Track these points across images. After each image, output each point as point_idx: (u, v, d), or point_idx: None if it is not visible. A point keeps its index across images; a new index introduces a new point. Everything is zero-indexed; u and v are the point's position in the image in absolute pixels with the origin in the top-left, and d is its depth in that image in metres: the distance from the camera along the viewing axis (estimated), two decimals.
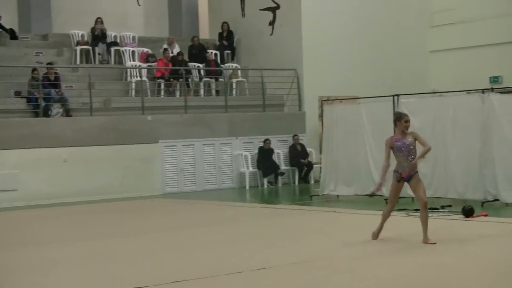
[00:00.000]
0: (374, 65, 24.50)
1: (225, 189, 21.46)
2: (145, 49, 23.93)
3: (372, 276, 8.64)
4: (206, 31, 27.76)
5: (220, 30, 25.67)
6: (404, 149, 10.68)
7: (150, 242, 12.01)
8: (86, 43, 23.42)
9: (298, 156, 22.43)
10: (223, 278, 8.82)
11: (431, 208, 13.99)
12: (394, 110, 16.60)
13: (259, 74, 23.49)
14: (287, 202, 18.24)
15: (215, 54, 24.74)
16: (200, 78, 23.57)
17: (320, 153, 19.60)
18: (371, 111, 17.15)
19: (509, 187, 14.89)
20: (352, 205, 16.13)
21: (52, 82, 20.38)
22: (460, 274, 8.58)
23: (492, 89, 16.14)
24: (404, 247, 10.45)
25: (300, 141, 22.76)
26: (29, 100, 20.04)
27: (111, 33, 24.25)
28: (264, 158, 21.95)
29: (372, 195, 10.92)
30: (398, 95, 16.72)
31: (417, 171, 10.79)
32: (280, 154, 22.51)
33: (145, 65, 22.93)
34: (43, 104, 19.84)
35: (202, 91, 23.37)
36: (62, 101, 20.20)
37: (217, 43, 25.66)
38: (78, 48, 23.06)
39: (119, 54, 23.63)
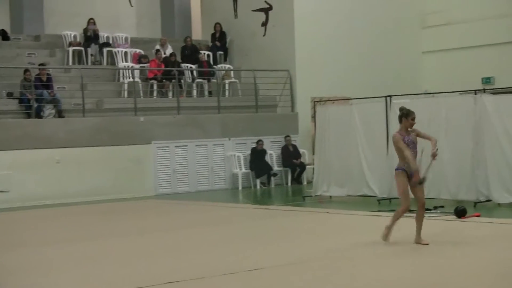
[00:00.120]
0: (367, 66, 24.52)
1: (218, 190, 21.46)
2: (138, 50, 23.90)
3: (366, 277, 8.66)
4: (199, 32, 27.75)
5: (212, 31, 25.66)
6: (411, 146, 10.61)
7: (143, 243, 12.00)
8: (78, 44, 23.37)
9: (291, 157, 22.44)
10: (217, 279, 8.82)
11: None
12: (386, 111, 16.68)
13: (252, 75, 23.49)
14: (280, 203, 18.24)
15: (208, 55, 24.72)
16: (193, 79, 23.56)
17: (313, 154, 19.62)
18: (363, 112, 17.18)
19: (502, 187, 14.93)
20: (345, 206, 16.15)
21: (45, 83, 20.34)
22: (455, 275, 8.59)
23: (484, 90, 16.21)
24: (397, 248, 10.46)
25: (293, 142, 22.76)
26: (21, 101, 19.99)
27: (103, 34, 24.21)
28: (257, 159, 21.95)
29: (422, 182, 10.59)
30: (390, 96, 16.76)
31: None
32: (273, 155, 22.52)
33: (137, 66, 22.90)
34: (35, 105, 19.80)
35: (194, 92, 23.36)
36: (55, 102, 20.16)
37: (210, 44, 25.65)
38: (71, 49, 23.02)
39: (111, 55, 23.59)
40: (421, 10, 26.10)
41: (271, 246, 11.16)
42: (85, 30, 23.64)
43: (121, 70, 22.74)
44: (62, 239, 12.70)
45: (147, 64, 22.93)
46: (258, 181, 21.94)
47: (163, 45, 24.02)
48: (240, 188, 21.68)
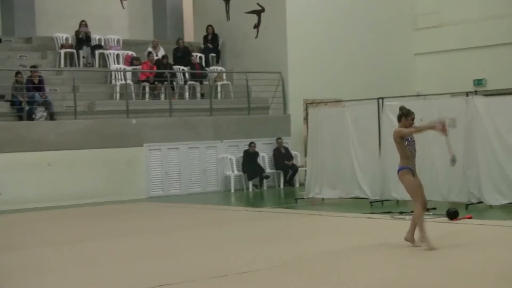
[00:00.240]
0: (359, 68, 24.55)
1: (210, 193, 21.43)
2: (130, 52, 23.87)
3: (360, 279, 8.65)
4: (191, 34, 27.74)
5: (205, 33, 25.66)
6: (412, 144, 10.55)
7: (135, 246, 11.97)
8: (70, 46, 23.33)
9: (283, 159, 22.43)
10: (207, 282, 8.81)
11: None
12: (378, 112, 16.68)
13: (244, 77, 23.48)
14: (272, 205, 18.23)
15: (200, 57, 24.71)
16: (185, 81, 23.54)
17: (305, 156, 19.61)
18: (355, 114, 17.19)
19: (493, 189, 14.95)
20: (337, 208, 16.14)
21: (36, 85, 20.28)
22: (449, 277, 8.58)
23: (476, 92, 16.22)
24: (389, 249, 10.45)
25: (285, 144, 22.76)
26: (12, 103, 19.93)
27: (95, 36, 24.17)
28: (249, 161, 21.94)
29: (454, 160, 10.50)
30: (382, 98, 16.78)
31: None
32: (265, 157, 22.50)
33: (129, 68, 22.87)
34: (27, 107, 19.75)
35: (187, 94, 23.34)
36: (46, 104, 20.12)
37: (202, 46, 25.64)
38: (62, 51, 22.97)
39: (103, 57, 23.56)
40: (413, 12, 26.15)
41: (263, 248, 11.15)
42: (77, 32, 23.60)
43: (113, 72, 22.70)
44: (54, 242, 12.67)
45: (139, 66, 22.90)
46: (250, 184, 21.93)
47: (155, 47, 24.00)
48: (232, 190, 21.67)
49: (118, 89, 22.09)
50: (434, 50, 25.28)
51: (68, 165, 19.60)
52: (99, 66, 23.44)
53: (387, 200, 16.47)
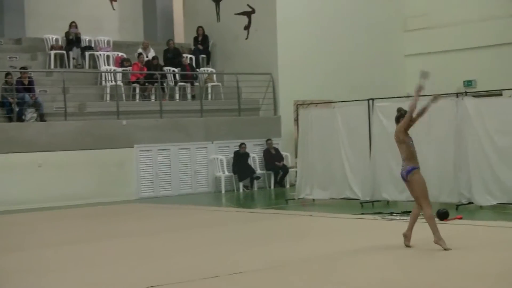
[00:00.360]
0: (349, 69, 24.57)
1: (201, 194, 21.42)
2: (120, 54, 23.84)
3: (348, 281, 8.67)
4: (181, 36, 27.70)
5: (195, 35, 25.64)
6: (410, 142, 10.48)
7: (126, 247, 11.96)
8: (60, 48, 23.29)
9: (273, 160, 22.44)
10: (198, 283, 8.81)
11: (406, 212, 14.11)
12: (369, 114, 16.71)
13: (235, 78, 23.48)
14: (262, 206, 18.24)
15: (190, 59, 24.70)
16: (175, 83, 23.53)
17: (296, 157, 19.63)
18: (346, 115, 17.21)
19: (484, 190, 15.00)
20: (328, 209, 16.16)
21: (26, 86, 20.23)
22: (442, 277, 8.61)
23: (466, 93, 16.26)
24: (381, 250, 10.47)
25: (275, 145, 22.77)
26: (2, 104, 19.88)
27: (85, 38, 24.13)
28: (240, 162, 21.94)
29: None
30: (373, 99, 16.80)
31: None
32: (255, 158, 22.51)
33: (120, 69, 22.85)
34: (17, 109, 19.70)
35: (177, 96, 23.33)
36: (36, 105, 20.08)
37: (192, 47, 25.63)
38: (52, 52, 22.93)
39: (93, 59, 23.53)
40: (403, 14, 26.20)
41: (253, 249, 11.15)
42: (67, 34, 23.56)
43: (103, 74, 22.67)
44: (48, 243, 12.65)
45: (130, 68, 22.88)
46: (241, 185, 21.93)
47: (145, 48, 23.98)
48: (223, 191, 21.67)
49: (108, 90, 22.07)
50: (424, 51, 25.33)
51: (58, 166, 19.57)
52: (89, 67, 23.41)
53: (377, 201, 16.50)
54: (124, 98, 22.10)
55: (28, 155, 19.18)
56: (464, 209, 14.84)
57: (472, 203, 15.14)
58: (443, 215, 13.24)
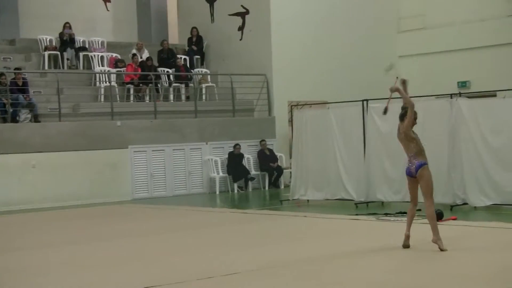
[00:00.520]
0: (344, 70, 24.59)
1: (195, 194, 21.41)
2: (114, 54, 23.83)
3: (342, 281, 8.67)
4: (175, 36, 27.70)
5: (189, 35, 25.64)
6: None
7: (119, 248, 11.94)
8: (54, 48, 23.26)
9: (268, 161, 22.44)
10: (193, 284, 8.80)
11: (400, 212, 14.12)
12: (363, 114, 16.72)
13: (229, 79, 23.48)
14: (257, 207, 18.23)
15: (185, 59, 24.68)
16: (170, 83, 23.51)
17: (290, 158, 19.63)
18: (340, 116, 17.22)
19: (478, 191, 15.02)
20: (323, 210, 16.16)
21: (20, 87, 20.20)
22: (437, 278, 8.61)
23: (460, 94, 16.28)
24: (375, 251, 10.47)
25: (269, 146, 22.77)
26: None
27: (79, 38, 24.12)
28: (234, 163, 21.94)
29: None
30: (367, 100, 16.81)
31: None
32: (250, 159, 22.51)
33: (114, 70, 22.83)
34: (11, 109, 19.67)
35: (171, 96, 23.32)
36: (30, 106, 20.04)
37: (187, 48, 25.62)
38: (46, 53, 22.90)
39: (87, 59, 23.51)
40: (397, 14, 26.23)
41: (248, 250, 11.15)
42: (61, 34, 23.53)
43: (97, 75, 22.66)
44: (41, 244, 12.63)
45: (124, 69, 22.86)
46: (235, 185, 21.92)
47: (139, 49, 23.96)
48: (217, 192, 21.66)
49: (102, 91, 22.05)
50: (418, 52, 25.38)
51: (52, 167, 19.55)
52: (84, 68, 23.40)
53: (372, 201, 16.51)
54: (118, 99, 22.08)
55: (22, 156, 19.16)
56: (459, 210, 14.86)
57: (467, 204, 15.16)
58: (437, 216, 13.20)
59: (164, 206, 18.58)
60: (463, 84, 24.10)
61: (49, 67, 22.76)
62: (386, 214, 14.56)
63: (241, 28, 24.67)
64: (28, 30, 24.67)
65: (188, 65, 24.61)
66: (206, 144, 22.14)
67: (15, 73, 20.50)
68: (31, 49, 23.45)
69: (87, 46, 24.17)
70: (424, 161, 10.36)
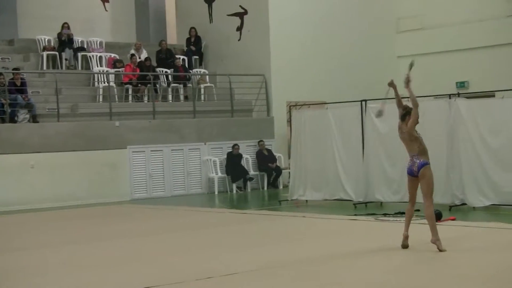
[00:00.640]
0: (342, 70, 24.59)
1: (194, 195, 21.41)
2: (113, 55, 23.82)
3: (341, 282, 8.66)
4: (174, 37, 27.69)
5: (188, 36, 25.63)
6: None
7: (117, 248, 11.93)
8: (52, 49, 23.25)
9: (266, 161, 22.44)
10: (192, 284, 8.79)
11: (399, 213, 14.11)
12: (362, 115, 16.72)
13: (227, 79, 23.48)
14: (256, 207, 18.22)
15: (183, 60, 24.67)
16: (168, 84, 23.50)
17: (289, 158, 19.63)
18: (339, 116, 17.22)
19: (476, 191, 15.01)
20: (321, 210, 16.16)
21: (19, 87, 20.19)
22: (436, 279, 8.60)
23: (458, 94, 16.28)
24: (374, 252, 10.46)
25: (268, 147, 22.77)
26: None
27: (78, 39, 24.10)
28: (233, 163, 21.93)
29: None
30: (366, 100, 16.81)
31: None
32: (248, 160, 22.51)
33: (112, 70, 22.82)
34: (9, 110, 19.65)
35: (170, 97, 23.31)
36: (29, 107, 20.03)
37: (185, 48, 25.61)
38: (45, 53, 22.89)
39: (86, 60, 23.49)
40: (396, 15, 26.22)
41: (247, 250, 11.14)
42: (59, 35, 23.52)
43: (96, 75, 22.64)
44: (39, 245, 12.61)
45: (122, 69, 22.84)
46: (234, 186, 21.92)
47: (138, 49, 23.95)
48: (216, 192, 21.66)
49: (101, 91, 22.04)
50: (417, 52, 25.33)
51: (51, 167, 19.54)
52: (82, 68, 23.39)
53: (370, 202, 16.50)
54: (116, 99, 22.07)
55: (21, 156, 19.15)
56: (457, 210, 14.86)
57: (465, 204, 15.15)
58: (436, 216, 13.18)
59: (162, 207, 18.57)
60: (461, 85, 24.11)
61: (48, 67, 22.75)
62: (384, 215, 14.56)
63: (239, 29, 24.66)
64: (26, 30, 24.66)
65: (186, 65, 24.59)
66: (205, 144, 22.13)
67: (13, 73, 20.48)
68: (29, 49, 23.44)
69: (85, 46, 24.15)
70: (427, 161, 10.36)
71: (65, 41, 23.39)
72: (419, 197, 10.59)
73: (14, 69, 20.97)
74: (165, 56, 24.21)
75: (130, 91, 22.43)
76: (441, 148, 15.29)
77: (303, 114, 18.16)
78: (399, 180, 15.51)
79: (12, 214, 17.98)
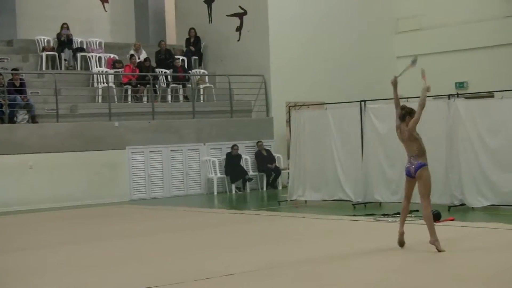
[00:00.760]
0: (342, 71, 24.59)
1: (193, 195, 21.40)
2: (112, 55, 23.81)
3: (340, 283, 8.66)
4: (173, 37, 27.69)
5: (187, 36, 25.63)
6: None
7: (116, 249, 11.93)
8: (52, 49, 23.24)
9: (265, 161, 22.43)
10: (191, 285, 8.79)
11: (398, 213, 14.09)
12: (361, 115, 16.72)
13: (227, 80, 23.48)
14: (255, 208, 18.22)
15: (182, 60, 24.67)
16: (168, 84, 23.50)
17: (288, 158, 19.63)
18: (338, 117, 17.23)
19: (475, 191, 15.01)
20: (320, 211, 16.17)
21: (18, 88, 20.19)
22: (434, 279, 8.61)
23: (457, 95, 16.28)
24: (372, 252, 10.46)
25: (267, 147, 22.76)
26: None
27: (77, 39, 24.09)
28: (232, 164, 21.92)
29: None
30: (365, 101, 16.82)
31: None
32: (248, 160, 22.51)
33: (111, 71, 22.81)
34: (8, 110, 19.65)
35: (169, 97, 23.31)
36: (28, 107, 20.02)
37: (184, 49, 25.61)
38: (44, 54, 22.88)
39: (85, 60, 23.48)
40: (394, 15, 26.24)
41: (246, 251, 11.14)
42: (59, 35, 23.51)
43: (95, 75, 22.63)
44: (38, 245, 12.61)
45: (121, 69, 22.84)
46: (233, 186, 21.92)
47: (137, 50, 23.95)
48: (215, 193, 21.65)
49: (100, 92, 22.03)
50: (416, 53, 25.20)
51: (50, 168, 19.53)
52: (81, 69, 23.38)
53: (369, 202, 16.51)
54: (116, 99, 22.07)
55: (20, 157, 19.14)
56: (456, 210, 14.87)
57: (464, 204, 15.16)
58: (435, 217, 13.16)
59: (161, 207, 18.57)
60: (460, 85, 24.11)
61: (47, 67, 22.74)
62: (383, 215, 14.56)
63: (239, 29, 24.66)
64: (25, 31, 24.65)
65: (186, 65, 24.59)
66: (204, 145, 22.13)
67: (12, 73, 20.48)
68: (28, 49, 23.44)
69: (84, 46, 24.14)
70: (424, 162, 10.36)
71: (64, 42, 23.39)
72: (415, 197, 10.60)
73: (13, 69, 20.97)
74: (165, 57, 24.21)
75: (129, 92, 22.42)
76: (440, 148, 15.30)
77: (302, 114, 18.16)
78: (398, 181, 15.50)
79: (11, 214, 17.97)
